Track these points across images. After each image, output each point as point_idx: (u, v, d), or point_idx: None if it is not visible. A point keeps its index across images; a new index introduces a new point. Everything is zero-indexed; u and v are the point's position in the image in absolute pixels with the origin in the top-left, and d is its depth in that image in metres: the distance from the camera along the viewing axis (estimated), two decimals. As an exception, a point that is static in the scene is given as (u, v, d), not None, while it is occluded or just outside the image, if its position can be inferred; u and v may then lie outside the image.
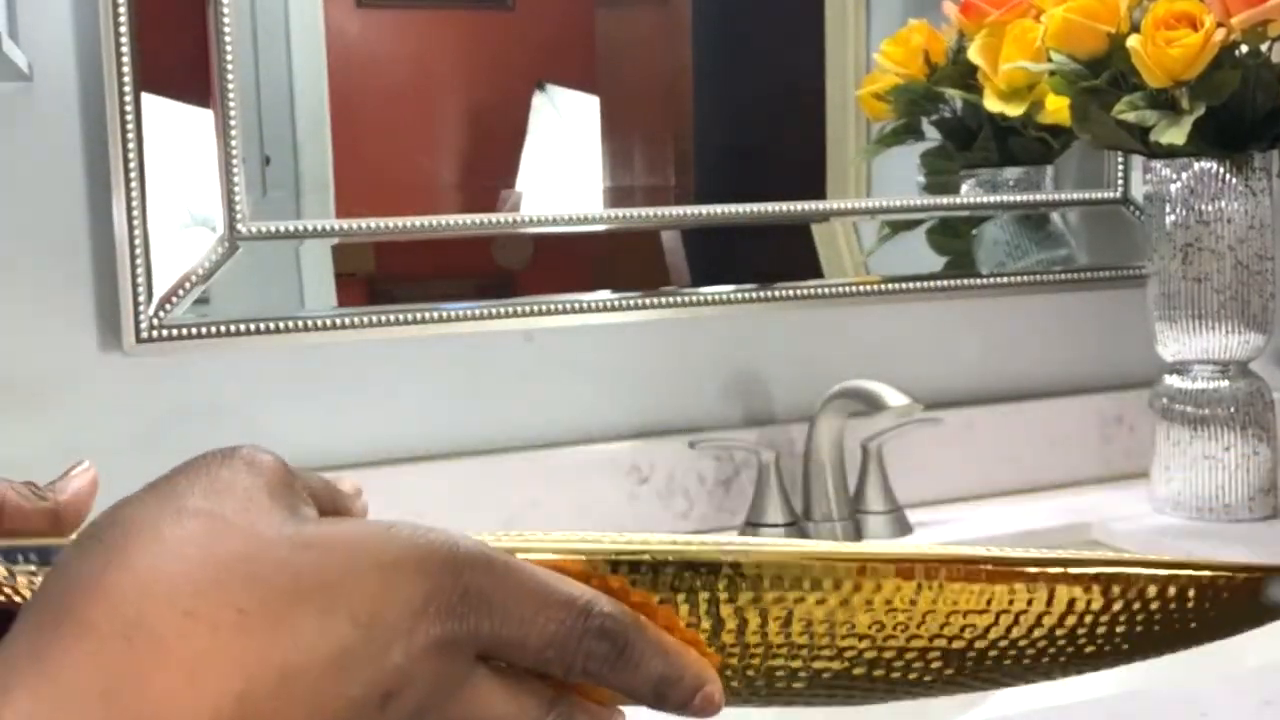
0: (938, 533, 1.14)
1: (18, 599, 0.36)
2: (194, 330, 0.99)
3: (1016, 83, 1.18)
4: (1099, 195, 1.32)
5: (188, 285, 0.99)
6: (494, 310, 1.08)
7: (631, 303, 1.12)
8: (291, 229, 1.04)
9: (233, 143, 1.00)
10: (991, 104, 1.20)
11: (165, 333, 0.98)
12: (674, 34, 1.23)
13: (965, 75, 1.23)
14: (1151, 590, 0.36)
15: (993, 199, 1.28)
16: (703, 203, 1.19)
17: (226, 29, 0.99)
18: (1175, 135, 1.03)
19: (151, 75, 0.96)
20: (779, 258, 1.22)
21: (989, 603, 0.36)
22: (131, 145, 0.96)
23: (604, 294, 1.12)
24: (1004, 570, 0.36)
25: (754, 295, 1.17)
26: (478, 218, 1.09)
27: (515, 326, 1.10)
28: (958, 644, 0.37)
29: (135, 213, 0.97)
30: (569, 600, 0.35)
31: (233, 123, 1.00)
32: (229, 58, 0.99)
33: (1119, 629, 0.36)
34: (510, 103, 1.17)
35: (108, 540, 0.32)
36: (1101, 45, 1.09)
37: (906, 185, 1.28)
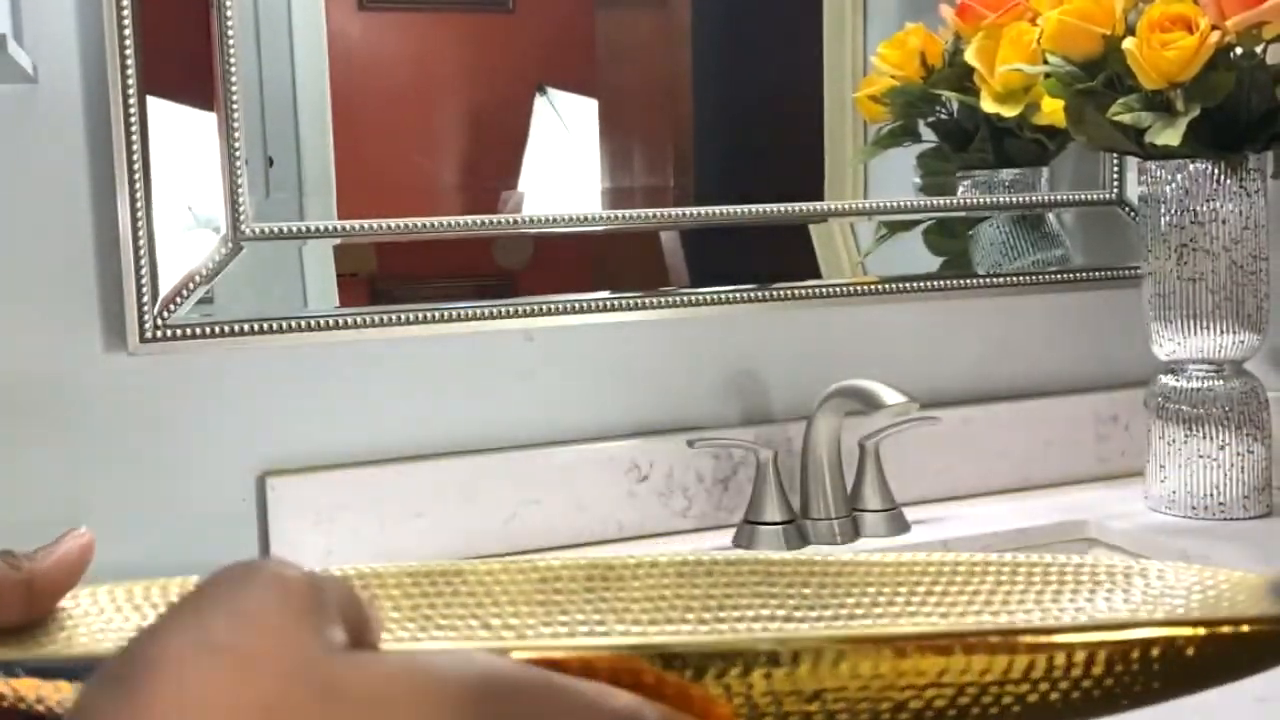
0: (935, 531, 1.14)
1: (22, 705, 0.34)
2: (198, 330, 1.00)
3: (1012, 85, 1.19)
4: (1094, 196, 1.33)
5: (191, 285, 1.00)
6: (494, 310, 1.09)
7: (631, 303, 1.13)
8: (294, 229, 1.05)
9: (236, 144, 1.00)
10: (988, 106, 1.20)
11: (169, 332, 0.99)
12: (673, 37, 1.24)
13: (962, 77, 1.23)
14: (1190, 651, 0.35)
15: (989, 200, 1.29)
16: (701, 204, 1.20)
17: (230, 32, 0.99)
18: (1170, 137, 1.04)
19: (155, 77, 0.97)
20: (777, 258, 1.23)
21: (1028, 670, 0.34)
22: (136, 147, 0.96)
23: (603, 294, 1.12)
24: (1033, 642, 0.34)
25: (752, 295, 1.17)
26: (478, 218, 1.10)
27: (515, 326, 1.11)
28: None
29: (139, 214, 0.97)
30: (614, 715, 0.33)
31: (236, 124, 1.00)
32: (232, 60, 1.00)
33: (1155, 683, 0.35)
34: (511, 105, 1.18)
35: (129, 684, 0.30)
36: (1097, 47, 1.09)
37: (903, 186, 1.28)
